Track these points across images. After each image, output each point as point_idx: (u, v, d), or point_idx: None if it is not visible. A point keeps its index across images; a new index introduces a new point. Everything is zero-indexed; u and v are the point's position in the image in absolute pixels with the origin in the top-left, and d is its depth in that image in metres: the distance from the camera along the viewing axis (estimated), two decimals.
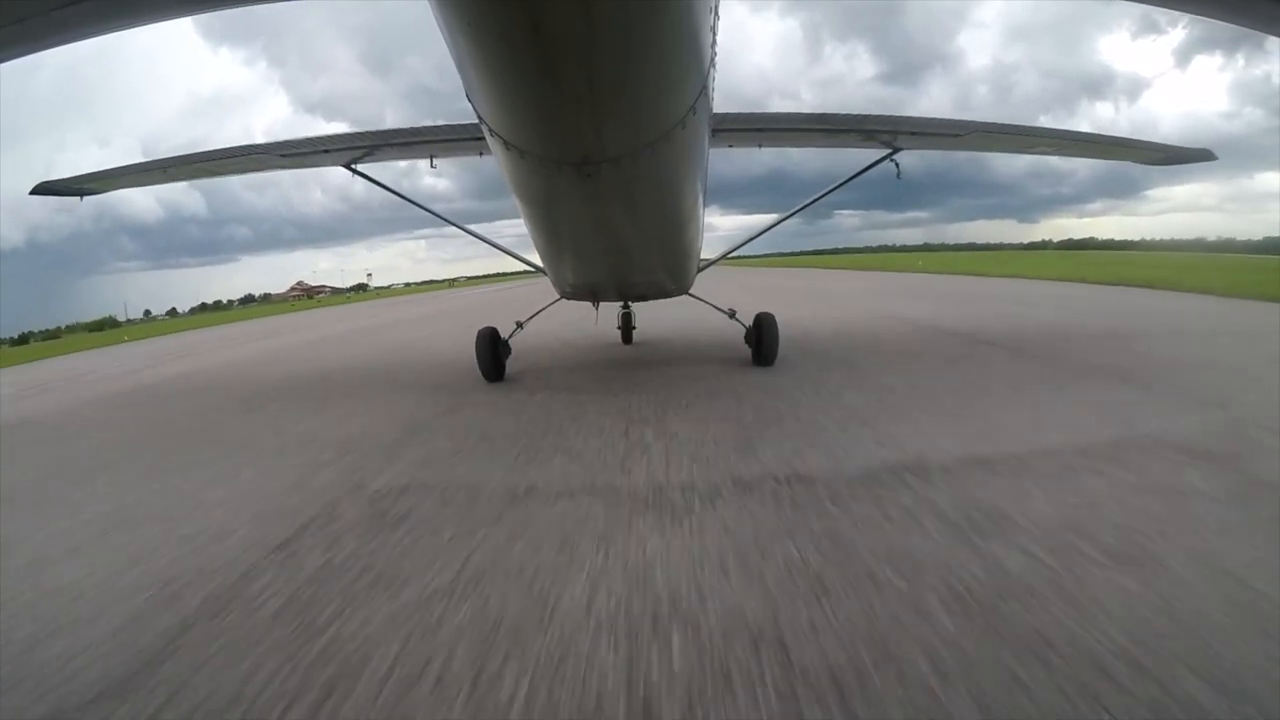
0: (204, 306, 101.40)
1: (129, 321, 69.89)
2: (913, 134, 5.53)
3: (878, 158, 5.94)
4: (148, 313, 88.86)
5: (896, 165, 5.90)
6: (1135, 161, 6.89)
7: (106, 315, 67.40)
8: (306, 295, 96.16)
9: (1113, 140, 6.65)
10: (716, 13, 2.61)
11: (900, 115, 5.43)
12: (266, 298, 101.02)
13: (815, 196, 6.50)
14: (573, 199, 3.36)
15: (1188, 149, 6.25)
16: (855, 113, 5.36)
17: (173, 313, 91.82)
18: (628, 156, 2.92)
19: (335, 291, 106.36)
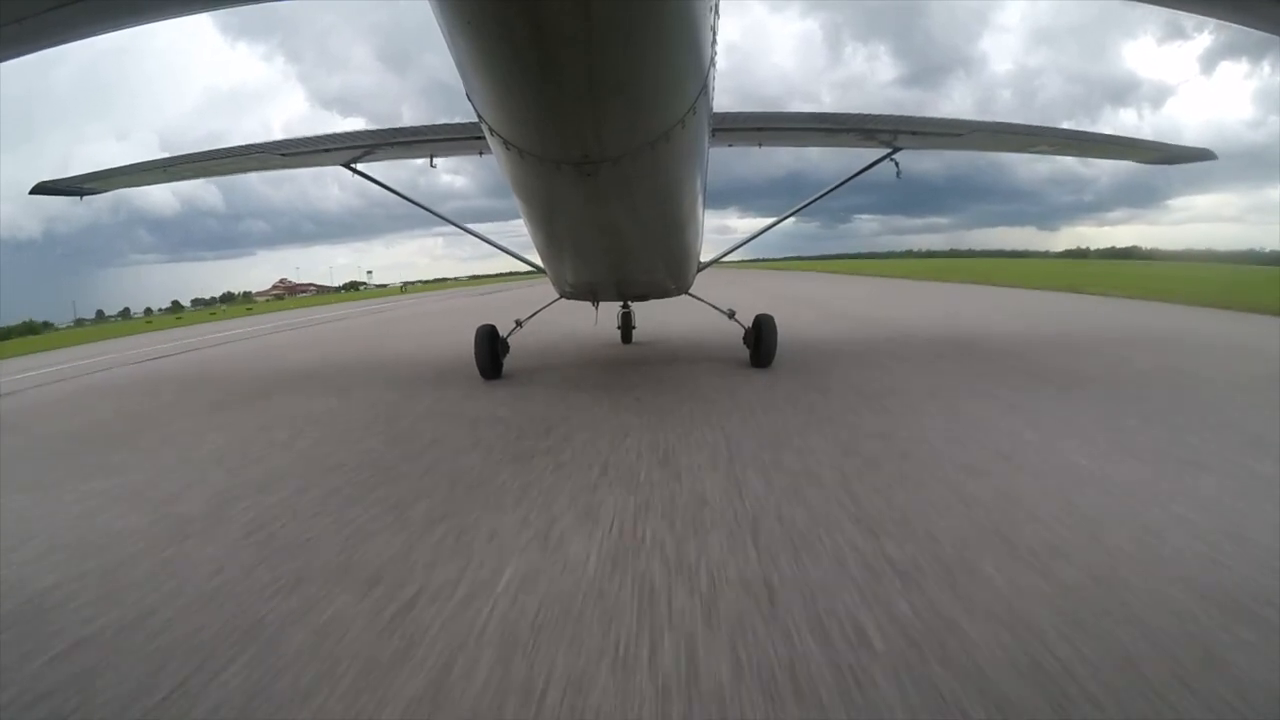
0: (176, 305, 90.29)
1: (80, 322, 61.79)
2: (913, 133, 5.52)
3: (878, 157, 5.95)
4: (100, 313, 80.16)
5: (896, 165, 5.90)
6: (1135, 161, 6.89)
7: (26, 319, 49.36)
8: (288, 294, 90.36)
9: (1112, 140, 6.65)
10: (717, 11, 2.61)
11: (900, 115, 5.44)
12: (247, 296, 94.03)
13: (812, 198, 6.49)
14: (572, 198, 3.36)
15: (1188, 148, 6.25)
16: (855, 112, 5.36)
17: (125, 313, 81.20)
18: (627, 156, 2.93)
19: (321, 290, 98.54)
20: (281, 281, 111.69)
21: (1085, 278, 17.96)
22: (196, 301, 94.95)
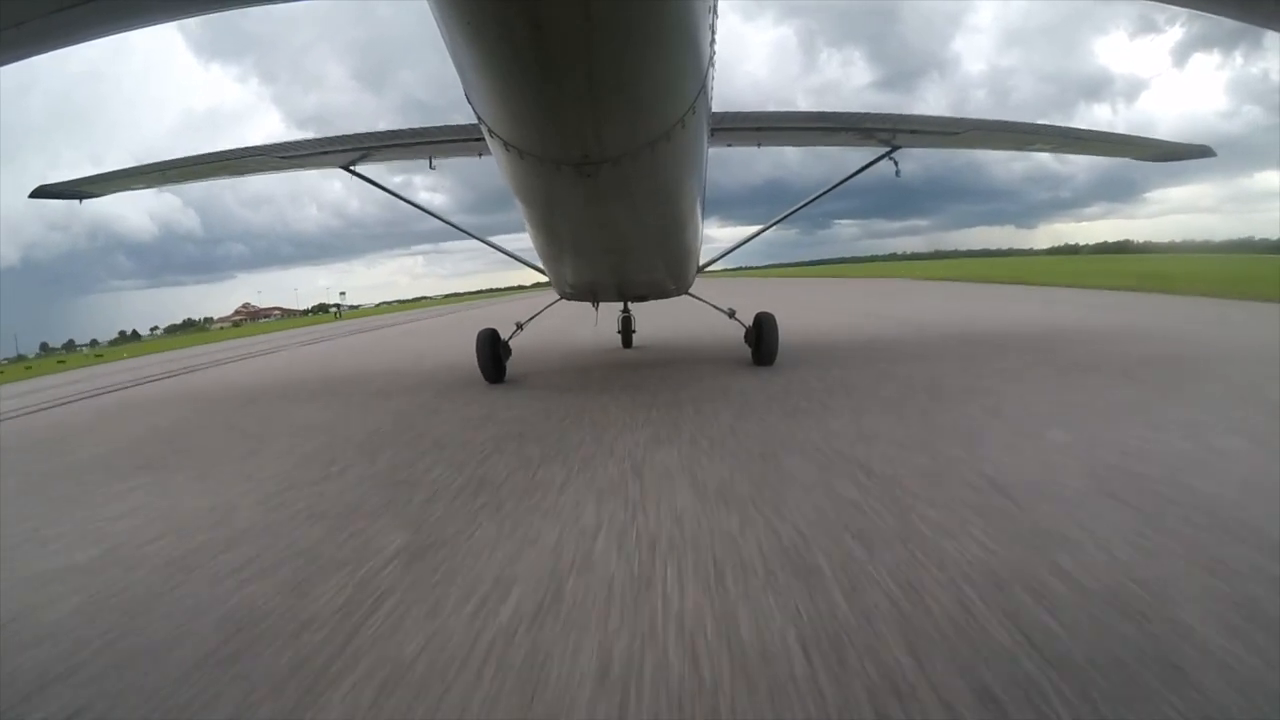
0: (122, 335, 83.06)
1: (21, 358, 55.17)
2: (911, 132, 5.53)
3: (875, 157, 5.94)
4: (46, 347, 73.94)
5: (895, 163, 5.90)
6: (1134, 158, 6.90)
7: None
8: (249, 319, 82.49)
9: (1110, 137, 6.66)
10: (715, 12, 2.62)
11: (898, 113, 5.45)
12: (208, 322, 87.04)
13: (811, 198, 6.47)
14: (572, 199, 3.36)
15: (1186, 145, 6.26)
16: (853, 111, 5.37)
17: (44, 348, 75.64)
18: (627, 156, 2.93)
19: (287, 314, 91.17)
20: (244, 306, 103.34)
21: (1148, 276, 14.65)
22: (156, 328, 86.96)
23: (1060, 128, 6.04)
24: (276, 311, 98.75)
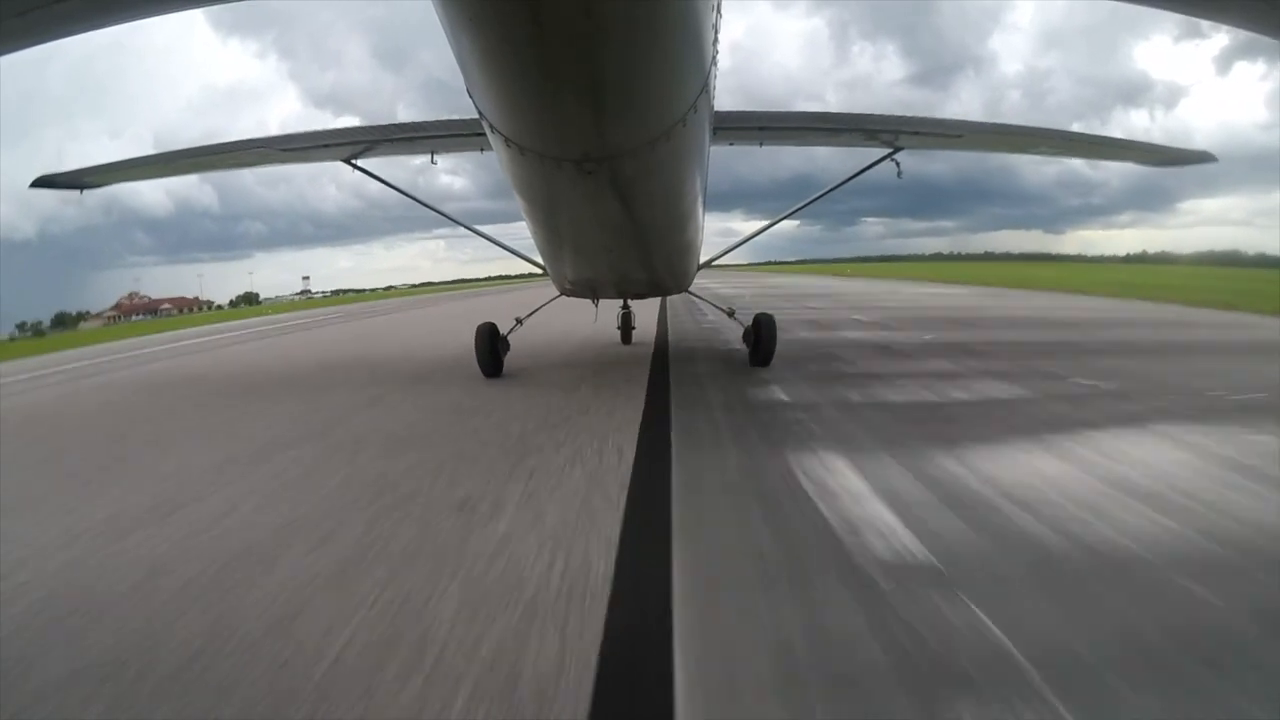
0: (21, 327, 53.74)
1: None
2: (914, 133, 5.53)
3: (879, 157, 5.94)
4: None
5: (897, 165, 5.90)
6: (1135, 162, 6.90)
7: None
8: (122, 317, 61.37)
9: (1112, 141, 6.67)
10: (719, 11, 2.62)
11: (901, 115, 5.44)
12: (83, 317, 61.74)
13: (812, 198, 6.48)
14: (573, 196, 3.37)
15: (1188, 151, 6.26)
16: (856, 112, 5.37)
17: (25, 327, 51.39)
18: (628, 154, 2.93)
19: (185, 309, 65.32)
20: (130, 297, 73.60)
21: None
22: (23, 324, 56.92)
23: (1061, 131, 6.05)
24: (165, 305, 70.22)
